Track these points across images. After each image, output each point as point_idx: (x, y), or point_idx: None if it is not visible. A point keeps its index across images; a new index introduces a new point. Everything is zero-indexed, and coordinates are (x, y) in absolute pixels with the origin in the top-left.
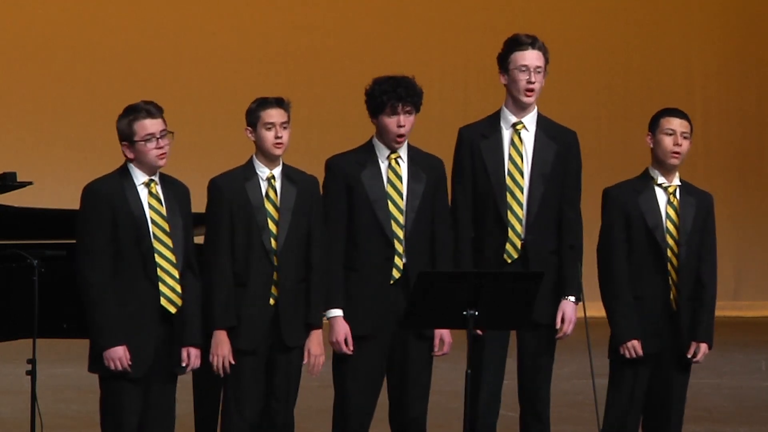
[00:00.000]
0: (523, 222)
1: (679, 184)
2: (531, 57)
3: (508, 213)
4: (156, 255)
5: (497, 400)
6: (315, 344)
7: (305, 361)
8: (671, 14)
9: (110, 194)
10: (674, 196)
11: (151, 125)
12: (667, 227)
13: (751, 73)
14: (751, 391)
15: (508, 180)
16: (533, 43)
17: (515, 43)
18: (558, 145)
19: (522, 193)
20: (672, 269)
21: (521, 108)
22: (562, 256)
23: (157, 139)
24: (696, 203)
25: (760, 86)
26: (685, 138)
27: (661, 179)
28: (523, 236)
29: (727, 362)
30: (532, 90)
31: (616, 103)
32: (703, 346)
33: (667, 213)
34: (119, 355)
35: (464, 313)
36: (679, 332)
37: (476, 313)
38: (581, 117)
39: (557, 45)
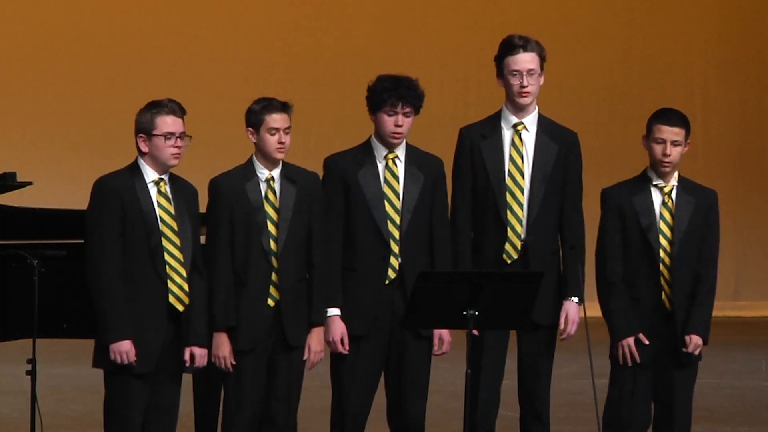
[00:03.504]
0: (523, 222)
1: (676, 184)
2: (522, 60)
3: (508, 213)
4: (165, 253)
5: (496, 401)
6: (315, 341)
7: (305, 356)
8: (671, 14)
9: (121, 190)
10: (669, 196)
11: (173, 123)
12: (660, 228)
13: (751, 72)
14: (751, 391)
15: (508, 180)
16: (525, 45)
17: (507, 47)
18: (559, 146)
19: (522, 193)
20: (665, 269)
21: (520, 109)
22: (564, 256)
23: (176, 138)
24: (696, 201)
25: (760, 86)
26: (676, 146)
27: (657, 180)
28: (522, 237)
29: (727, 362)
30: (526, 93)
31: (616, 103)
32: (695, 339)
33: (661, 213)
34: (125, 349)
35: (464, 313)
36: (675, 332)
37: (476, 313)
38: (581, 117)
39: (557, 45)
